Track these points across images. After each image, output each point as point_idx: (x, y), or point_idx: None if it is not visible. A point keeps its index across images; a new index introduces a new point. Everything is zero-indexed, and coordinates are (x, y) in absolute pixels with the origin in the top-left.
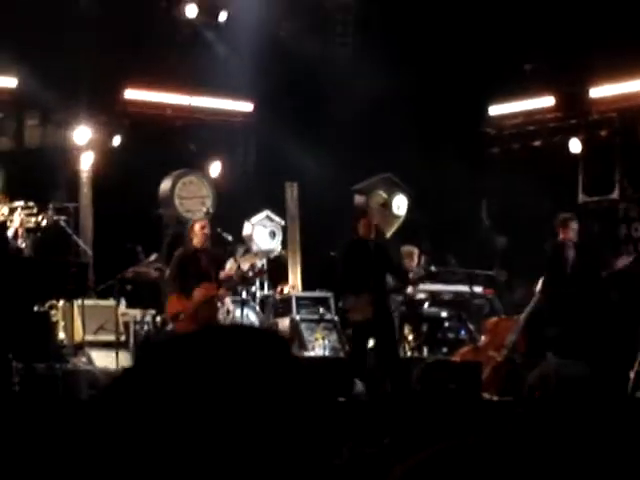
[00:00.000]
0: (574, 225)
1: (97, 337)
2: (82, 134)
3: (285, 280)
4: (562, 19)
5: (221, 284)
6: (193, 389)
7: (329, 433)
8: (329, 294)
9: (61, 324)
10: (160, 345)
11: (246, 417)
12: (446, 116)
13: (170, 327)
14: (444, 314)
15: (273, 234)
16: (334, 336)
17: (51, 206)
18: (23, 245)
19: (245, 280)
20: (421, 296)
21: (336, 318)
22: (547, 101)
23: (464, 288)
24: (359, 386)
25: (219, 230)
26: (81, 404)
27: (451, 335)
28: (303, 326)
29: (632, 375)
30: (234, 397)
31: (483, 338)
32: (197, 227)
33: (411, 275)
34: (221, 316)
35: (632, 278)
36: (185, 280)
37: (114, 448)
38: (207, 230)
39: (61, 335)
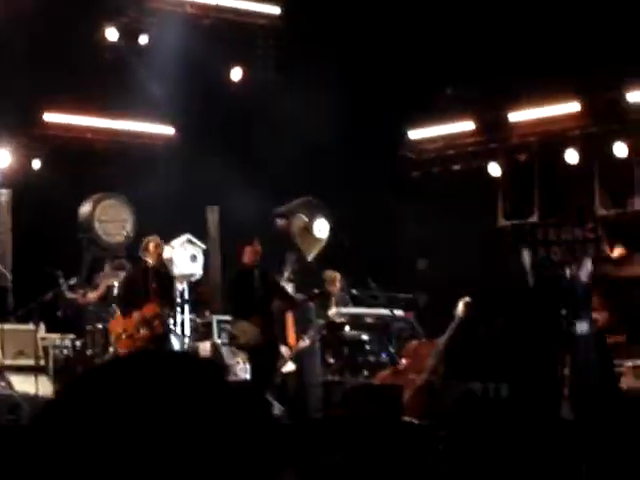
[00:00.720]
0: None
1: (16, 361)
2: (1, 158)
3: (207, 304)
4: (482, 43)
5: (171, 302)
6: (122, 416)
7: (269, 457)
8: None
9: None
10: (90, 372)
11: (180, 443)
12: (367, 139)
13: (112, 348)
14: (365, 337)
15: (194, 257)
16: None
17: None
18: None
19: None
20: (342, 319)
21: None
22: (467, 125)
23: (385, 311)
24: (276, 409)
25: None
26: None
27: (372, 358)
28: (224, 350)
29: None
30: (167, 423)
31: (404, 361)
32: (151, 246)
33: (334, 299)
34: None
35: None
36: (131, 300)
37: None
38: (161, 249)
39: None
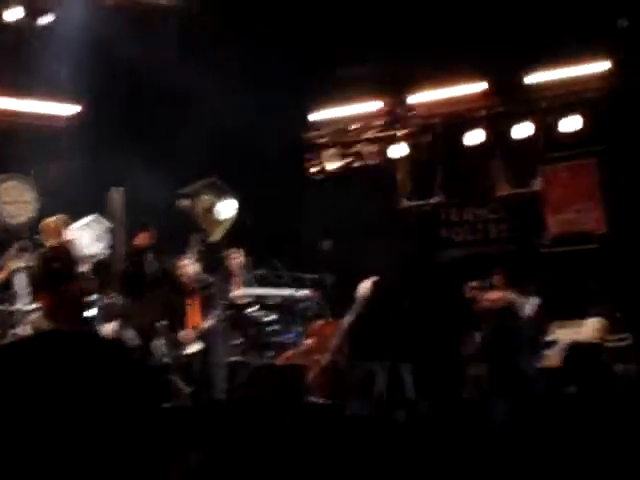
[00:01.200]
0: None
1: None
2: None
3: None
4: (383, 24)
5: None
6: (27, 392)
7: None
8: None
9: None
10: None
11: (80, 419)
12: (271, 121)
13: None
14: (270, 318)
15: (98, 238)
16: (162, 340)
17: None
18: None
19: None
20: (247, 300)
21: (163, 321)
22: (372, 106)
23: (290, 291)
24: (181, 389)
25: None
26: None
27: (277, 339)
28: (128, 331)
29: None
30: (70, 398)
31: (308, 341)
32: (52, 226)
33: (236, 278)
34: None
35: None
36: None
37: None
38: (63, 229)
39: None
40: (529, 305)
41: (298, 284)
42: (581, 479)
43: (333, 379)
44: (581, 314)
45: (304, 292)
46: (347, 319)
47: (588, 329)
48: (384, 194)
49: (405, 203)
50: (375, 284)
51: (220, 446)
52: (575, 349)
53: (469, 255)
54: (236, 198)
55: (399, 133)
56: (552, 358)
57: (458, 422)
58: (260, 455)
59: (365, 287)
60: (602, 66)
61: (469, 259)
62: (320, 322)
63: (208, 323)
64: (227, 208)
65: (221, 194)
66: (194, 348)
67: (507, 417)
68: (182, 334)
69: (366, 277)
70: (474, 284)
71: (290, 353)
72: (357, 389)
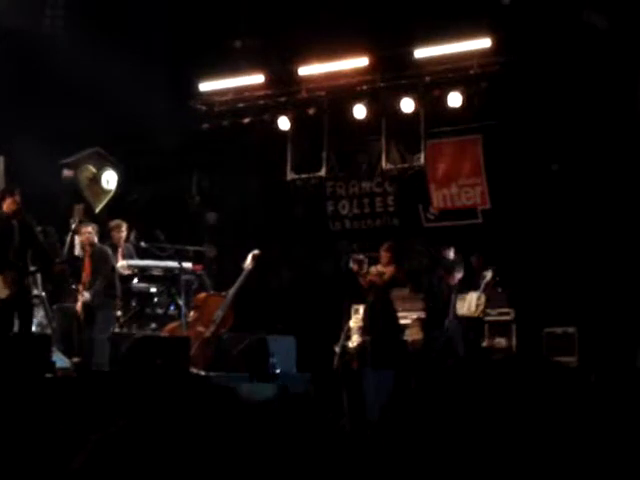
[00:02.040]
0: None
1: None
2: None
3: None
4: None
5: None
6: None
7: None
8: (34, 268)
9: None
10: None
11: None
12: (159, 91)
13: None
14: (153, 290)
15: None
16: (41, 312)
17: None
18: None
19: None
20: (130, 272)
21: (43, 294)
22: (256, 79)
23: (173, 264)
24: (64, 362)
25: None
26: None
27: (160, 311)
28: None
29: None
30: None
31: (192, 314)
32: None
33: (120, 250)
34: None
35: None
36: None
37: None
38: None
39: None
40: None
41: (181, 257)
42: (461, 454)
43: (216, 351)
44: (463, 289)
45: (187, 265)
46: (231, 292)
47: (470, 303)
48: (271, 166)
49: (292, 176)
50: (256, 257)
51: (103, 419)
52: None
53: (355, 228)
54: (120, 168)
55: (286, 105)
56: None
57: (336, 394)
58: (145, 427)
59: (248, 260)
60: (483, 43)
61: (355, 232)
62: (203, 294)
63: (85, 297)
64: (111, 178)
65: (105, 164)
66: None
67: (392, 388)
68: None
69: (250, 249)
70: (359, 257)
71: (173, 325)
72: (240, 361)
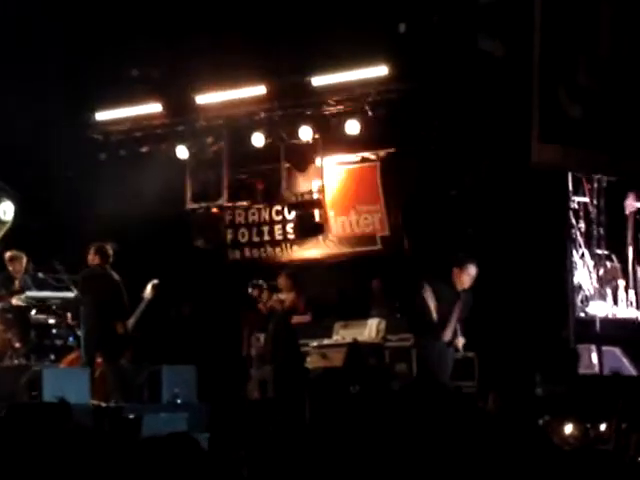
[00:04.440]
0: None
1: None
2: None
3: None
4: (168, 25)
5: None
6: None
7: None
8: None
9: None
10: None
11: None
12: (56, 120)
13: None
14: (52, 321)
15: None
16: None
17: None
18: None
19: None
20: (28, 303)
21: None
22: (154, 107)
23: (71, 294)
24: None
25: None
26: None
27: (59, 342)
28: None
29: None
30: None
31: None
32: None
33: (17, 283)
34: None
35: None
36: None
37: None
38: None
39: None
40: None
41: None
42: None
43: (116, 381)
44: (363, 315)
45: None
46: (130, 321)
47: (370, 329)
48: (170, 195)
49: (191, 205)
50: (155, 287)
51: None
52: (356, 349)
53: (254, 256)
54: (15, 199)
55: (184, 134)
56: (335, 358)
57: (244, 423)
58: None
59: (147, 290)
60: (380, 71)
61: (255, 260)
62: None
63: None
64: (8, 209)
65: (1, 194)
66: None
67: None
68: None
69: (150, 279)
70: (259, 282)
71: (72, 356)
72: (140, 392)
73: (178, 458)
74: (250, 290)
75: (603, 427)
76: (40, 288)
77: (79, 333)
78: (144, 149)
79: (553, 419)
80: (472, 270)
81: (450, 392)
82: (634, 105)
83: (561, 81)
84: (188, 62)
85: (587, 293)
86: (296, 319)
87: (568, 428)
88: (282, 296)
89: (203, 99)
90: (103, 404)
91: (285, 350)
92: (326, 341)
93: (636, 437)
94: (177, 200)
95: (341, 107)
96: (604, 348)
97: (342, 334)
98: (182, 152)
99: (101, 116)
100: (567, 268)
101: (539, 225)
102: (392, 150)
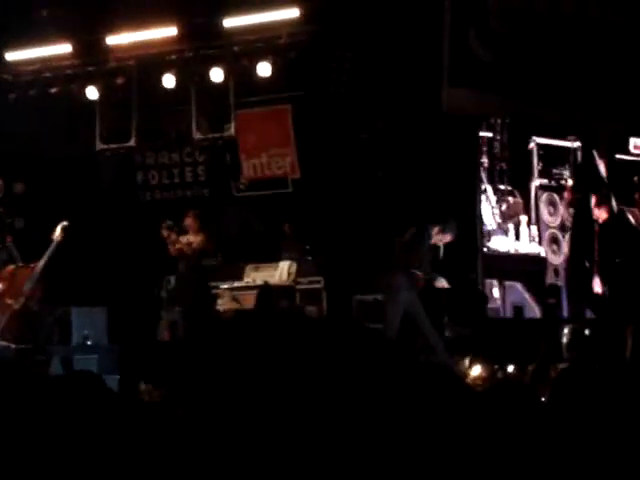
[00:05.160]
0: None
1: None
2: None
3: None
4: None
5: None
6: None
7: None
8: None
9: None
10: None
11: None
12: None
13: None
14: None
15: None
16: None
17: None
18: None
19: None
20: None
21: None
22: (64, 48)
23: None
24: None
25: None
26: None
27: None
28: None
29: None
30: None
31: (0, 286)
32: None
33: None
34: None
35: None
36: None
37: None
38: None
39: None
40: None
41: None
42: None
43: (25, 323)
44: (274, 257)
45: None
46: (40, 264)
47: (281, 272)
48: (79, 136)
49: (100, 146)
50: (65, 229)
51: None
52: (267, 291)
53: (164, 198)
54: None
55: (94, 75)
56: (246, 300)
57: (152, 364)
58: None
59: (57, 231)
60: (292, 13)
61: (164, 202)
62: (11, 267)
63: None
64: None
65: None
66: None
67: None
68: None
69: (59, 220)
70: (168, 223)
71: None
72: (50, 334)
73: (83, 395)
74: (163, 232)
75: (511, 368)
76: None
77: None
78: (54, 90)
79: (461, 361)
80: (447, 238)
81: (365, 329)
82: (543, 50)
83: (472, 24)
84: (99, 3)
85: (489, 228)
86: (206, 261)
87: (476, 369)
88: (190, 238)
89: (113, 40)
90: (12, 345)
91: (195, 292)
92: (237, 283)
93: (532, 367)
94: (87, 141)
95: (252, 49)
96: (507, 283)
97: (253, 276)
98: (92, 93)
99: (11, 56)
100: (475, 208)
101: (449, 167)
102: (303, 93)
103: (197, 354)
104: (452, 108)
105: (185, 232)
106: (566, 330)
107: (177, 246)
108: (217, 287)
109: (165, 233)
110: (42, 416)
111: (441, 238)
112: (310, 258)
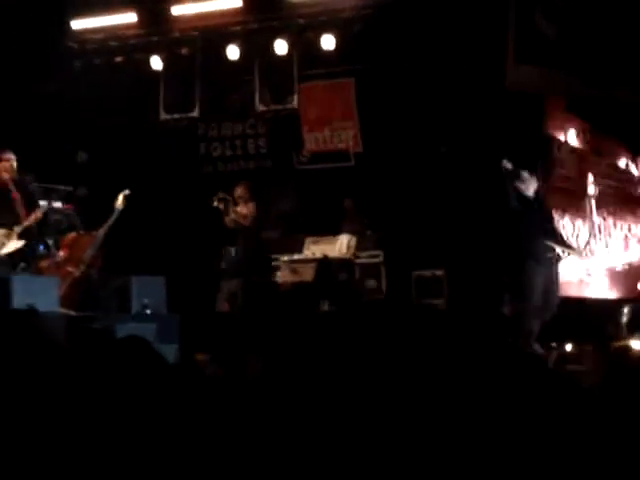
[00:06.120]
0: None
1: None
2: None
3: None
4: None
5: None
6: None
7: None
8: None
9: None
10: None
11: None
12: (30, 28)
13: None
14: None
15: None
16: None
17: None
18: None
19: None
20: None
21: None
22: (129, 17)
23: (43, 203)
24: None
25: None
26: None
27: (29, 250)
28: None
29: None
30: None
31: (61, 253)
32: None
33: None
34: None
35: None
36: None
37: None
38: None
39: None
40: None
41: (51, 196)
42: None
43: (85, 291)
44: (334, 231)
45: (57, 204)
46: (101, 232)
47: (340, 245)
48: (143, 106)
49: (164, 116)
50: (126, 197)
51: None
52: (326, 264)
53: (226, 170)
54: None
55: (158, 45)
56: (305, 273)
57: (213, 334)
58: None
59: (119, 200)
60: None
61: (226, 174)
62: (73, 234)
63: None
64: None
65: None
66: None
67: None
68: None
69: (121, 189)
70: (224, 196)
71: (43, 264)
72: (109, 302)
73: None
74: (215, 203)
75: (569, 347)
76: None
77: (49, 241)
78: (119, 59)
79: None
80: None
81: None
82: (609, 28)
83: (538, 1)
84: None
85: None
86: (265, 233)
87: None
88: (242, 209)
89: (178, 10)
90: (72, 313)
91: (255, 263)
92: (296, 256)
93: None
94: (150, 111)
95: (317, 21)
96: None
97: (312, 249)
98: (156, 63)
99: (77, 24)
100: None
101: (513, 147)
102: (368, 66)
103: (256, 325)
104: (515, 84)
105: (236, 203)
106: (626, 310)
107: (232, 216)
108: (277, 259)
109: (221, 205)
110: (94, 379)
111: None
112: (370, 232)
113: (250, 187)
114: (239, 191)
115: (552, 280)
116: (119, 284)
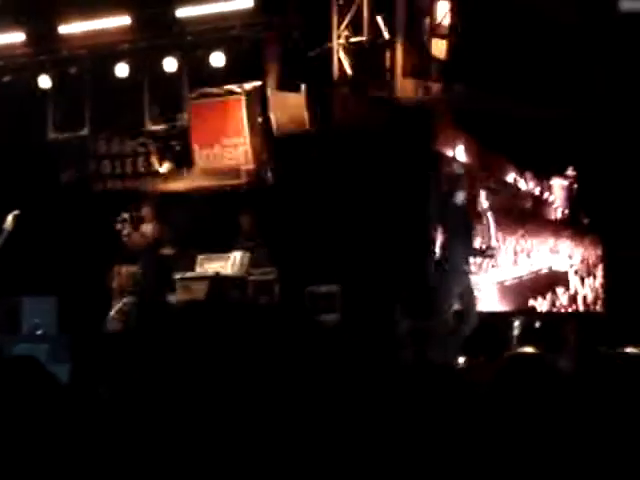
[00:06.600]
0: None
1: None
2: None
3: None
4: None
5: None
6: None
7: None
8: None
9: None
10: None
11: None
12: None
13: None
14: None
15: None
16: None
17: None
18: None
19: None
20: None
21: None
22: (17, 37)
23: None
24: None
25: None
26: None
27: None
28: None
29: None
30: None
31: None
32: None
33: None
34: None
35: None
36: None
37: None
38: None
39: None
40: None
41: None
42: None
43: None
44: (227, 248)
45: None
46: None
47: (233, 262)
48: (31, 125)
49: (52, 135)
50: (16, 218)
51: None
52: (218, 282)
53: (117, 188)
54: None
55: (46, 64)
56: (198, 291)
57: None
58: None
59: (8, 220)
60: (246, 3)
61: (117, 193)
62: None
63: None
64: None
65: None
66: None
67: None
68: None
69: (10, 210)
70: (123, 216)
71: None
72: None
73: (21, 379)
74: (116, 224)
75: (461, 360)
76: None
77: None
78: (6, 78)
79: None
80: None
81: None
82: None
83: None
84: None
85: None
86: (161, 250)
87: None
88: (146, 228)
89: (66, 29)
90: None
91: (148, 282)
92: (189, 274)
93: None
94: (39, 130)
95: (206, 39)
96: None
97: (205, 267)
98: (45, 82)
99: None
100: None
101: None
102: (258, 84)
103: (147, 345)
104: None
105: (142, 221)
106: (517, 323)
107: (132, 238)
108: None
109: (119, 226)
110: None
111: None
112: (264, 249)
113: (154, 206)
114: (144, 211)
115: (470, 291)
116: (9, 305)
